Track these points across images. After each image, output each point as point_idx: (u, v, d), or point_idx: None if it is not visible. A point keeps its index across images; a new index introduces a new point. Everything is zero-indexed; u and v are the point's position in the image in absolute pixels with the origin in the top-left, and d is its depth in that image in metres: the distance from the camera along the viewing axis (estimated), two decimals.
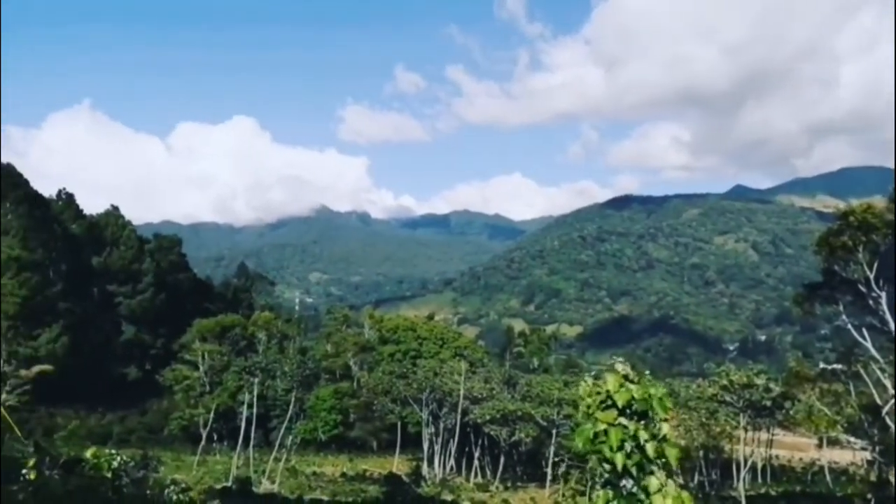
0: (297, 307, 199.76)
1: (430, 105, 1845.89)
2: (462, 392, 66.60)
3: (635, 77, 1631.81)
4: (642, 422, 4.76)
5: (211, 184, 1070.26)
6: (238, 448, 62.52)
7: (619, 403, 4.73)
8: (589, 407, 4.85)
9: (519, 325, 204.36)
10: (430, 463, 69.73)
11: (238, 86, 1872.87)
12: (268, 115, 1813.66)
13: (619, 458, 4.68)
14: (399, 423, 73.31)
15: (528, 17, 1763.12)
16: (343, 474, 64.13)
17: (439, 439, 70.34)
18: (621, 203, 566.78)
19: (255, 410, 65.17)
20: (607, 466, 4.76)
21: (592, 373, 5.05)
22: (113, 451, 10.19)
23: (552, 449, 60.60)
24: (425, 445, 70.30)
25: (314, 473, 63.64)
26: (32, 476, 9.09)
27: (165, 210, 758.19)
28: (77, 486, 9.35)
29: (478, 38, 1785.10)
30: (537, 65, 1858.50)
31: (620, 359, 4.94)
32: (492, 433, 65.58)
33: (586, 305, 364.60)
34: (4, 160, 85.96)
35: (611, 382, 4.74)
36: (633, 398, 4.72)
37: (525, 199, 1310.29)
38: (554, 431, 60.86)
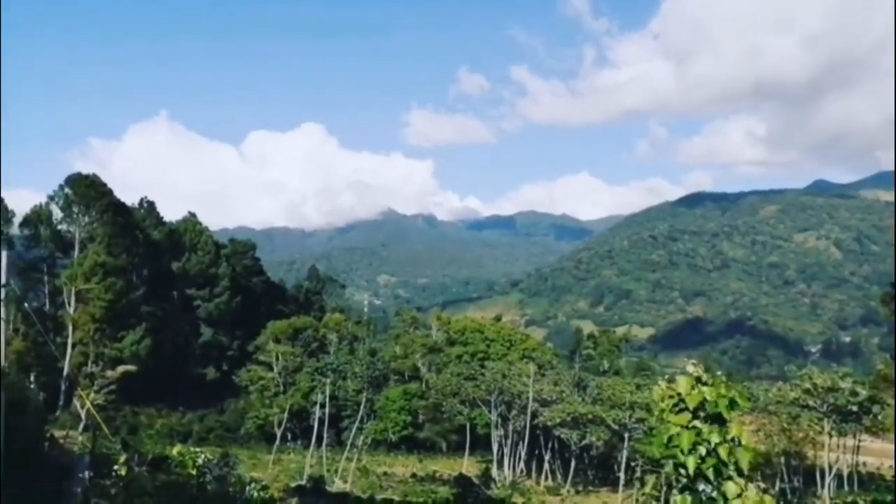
0: (365, 309, 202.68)
1: (495, 106, 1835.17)
2: (531, 394, 66.24)
3: (707, 71, 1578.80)
4: (716, 424, 4.66)
5: (282, 190, 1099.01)
6: (311, 447, 64.06)
7: (691, 406, 4.65)
8: (663, 411, 4.78)
9: (588, 327, 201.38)
10: (500, 465, 69.64)
11: (306, 94, 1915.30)
12: (335, 121, 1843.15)
13: (691, 462, 4.59)
14: (468, 425, 73.48)
15: (592, 13, 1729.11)
16: (413, 475, 64.77)
17: (509, 441, 70.18)
18: (694, 201, 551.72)
19: (327, 410, 66.67)
20: (683, 471, 4.68)
21: (666, 376, 4.96)
22: (197, 450, 10.63)
23: (625, 453, 59.56)
24: (495, 447, 70.26)
25: (385, 473, 64.52)
26: (123, 472, 9.62)
27: (240, 216, 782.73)
28: (164, 482, 9.82)
29: (542, 36, 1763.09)
30: (603, 61, 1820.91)
31: (693, 360, 4.86)
32: (562, 436, 64.98)
33: (658, 307, 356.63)
34: (90, 171, 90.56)
35: (682, 385, 4.67)
36: (705, 400, 4.63)
37: (592, 198, 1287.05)
38: (626, 435, 59.77)
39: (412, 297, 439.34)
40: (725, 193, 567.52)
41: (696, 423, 4.63)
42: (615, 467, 64.71)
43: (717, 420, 4.72)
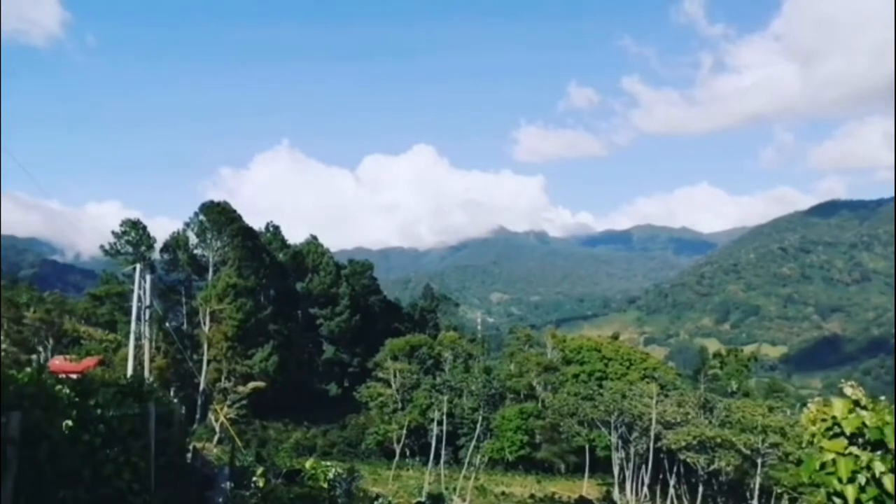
0: (479, 327, 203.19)
1: (606, 119, 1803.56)
2: (654, 416, 63.81)
3: (836, 70, 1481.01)
4: (877, 452, 4.31)
5: (397, 211, 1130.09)
6: (429, 464, 64.71)
7: (847, 431, 4.33)
8: (814, 435, 4.47)
9: (713, 346, 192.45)
10: (622, 489, 67.47)
11: (417, 116, 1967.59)
12: (445, 142, 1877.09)
13: (850, 491, 4.28)
14: (587, 446, 71.74)
15: (708, 18, 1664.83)
16: (532, 496, 63.91)
17: (630, 464, 67.84)
18: (827, 209, 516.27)
19: (444, 427, 67.23)
20: (838, 501, 4.37)
21: (817, 398, 4.65)
22: (328, 464, 11.05)
23: (758, 480, 56.05)
24: (615, 470, 68.18)
25: (503, 493, 64.04)
26: (261, 484, 10.16)
27: (357, 237, 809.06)
28: (298, 494, 10.26)
29: (654, 45, 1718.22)
30: (721, 67, 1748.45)
31: (851, 382, 4.52)
32: (688, 460, 62.01)
33: (790, 323, 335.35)
34: (220, 198, 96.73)
35: (837, 408, 4.35)
36: (864, 425, 4.30)
37: (714, 209, 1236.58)
38: (759, 461, 56.23)
39: (525, 315, 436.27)
40: (863, 201, 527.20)
41: (853, 449, 4.30)
42: (747, 494, 61.01)
43: (876, 447, 4.37)
